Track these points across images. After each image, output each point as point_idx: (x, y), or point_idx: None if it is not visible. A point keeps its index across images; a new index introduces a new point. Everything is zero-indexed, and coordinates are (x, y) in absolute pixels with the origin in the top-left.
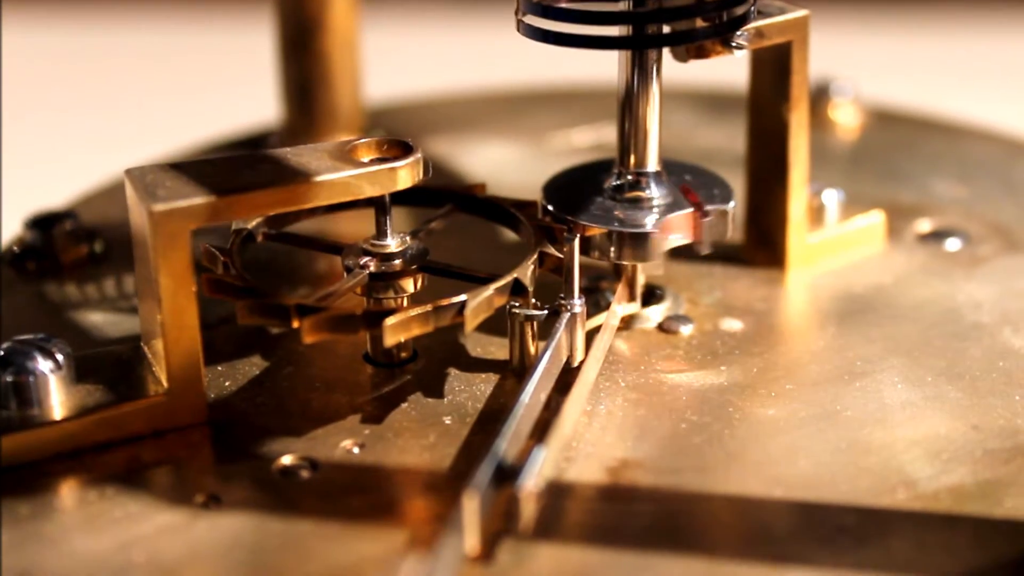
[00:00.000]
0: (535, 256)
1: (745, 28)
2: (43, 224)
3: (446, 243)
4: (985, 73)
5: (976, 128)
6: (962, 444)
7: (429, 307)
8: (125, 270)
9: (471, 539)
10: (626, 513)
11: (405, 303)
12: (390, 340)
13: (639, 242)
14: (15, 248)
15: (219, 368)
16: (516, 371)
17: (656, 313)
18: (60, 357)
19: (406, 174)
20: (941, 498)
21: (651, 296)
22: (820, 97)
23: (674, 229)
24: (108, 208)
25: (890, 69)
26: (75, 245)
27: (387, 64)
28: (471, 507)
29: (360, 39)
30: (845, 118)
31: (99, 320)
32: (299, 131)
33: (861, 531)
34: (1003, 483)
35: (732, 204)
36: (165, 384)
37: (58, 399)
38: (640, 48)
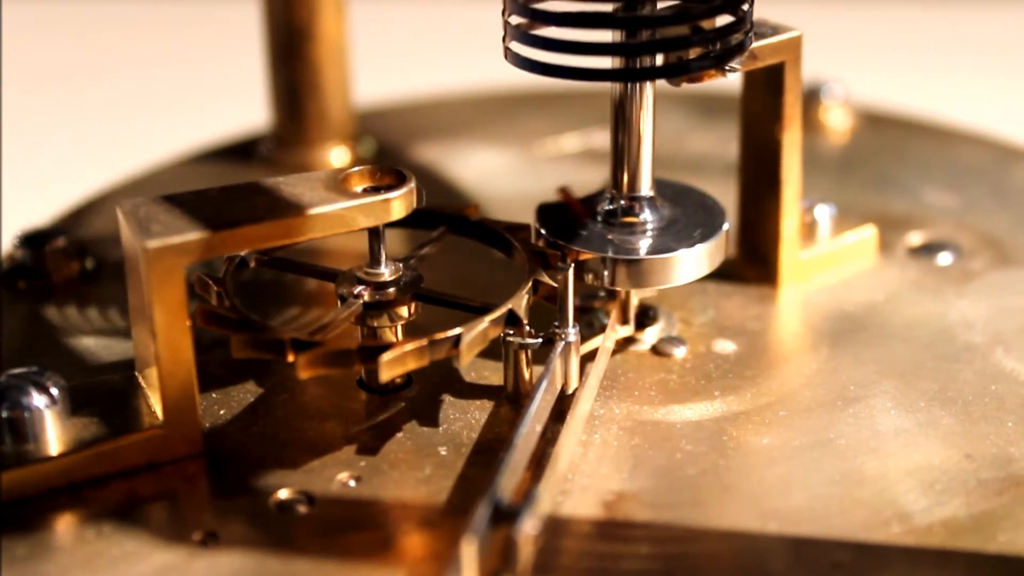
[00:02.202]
0: (529, 285)
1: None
2: (34, 242)
3: (439, 258)
4: (976, 50)
5: (966, 132)
6: (955, 474)
7: (424, 341)
8: (117, 288)
9: None
10: (622, 550)
11: (399, 331)
12: (386, 376)
13: (634, 268)
14: (4, 266)
15: (213, 395)
16: (511, 398)
17: (650, 335)
18: (55, 391)
19: (400, 205)
20: (935, 532)
21: (644, 316)
22: (811, 100)
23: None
24: (98, 222)
25: (879, 52)
26: (66, 263)
27: (375, 58)
28: (470, 551)
29: (349, 46)
30: (835, 121)
31: (92, 344)
32: (288, 137)
33: (856, 568)
34: (997, 516)
35: (726, 226)
36: (160, 416)
37: (54, 433)
38: (633, 80)
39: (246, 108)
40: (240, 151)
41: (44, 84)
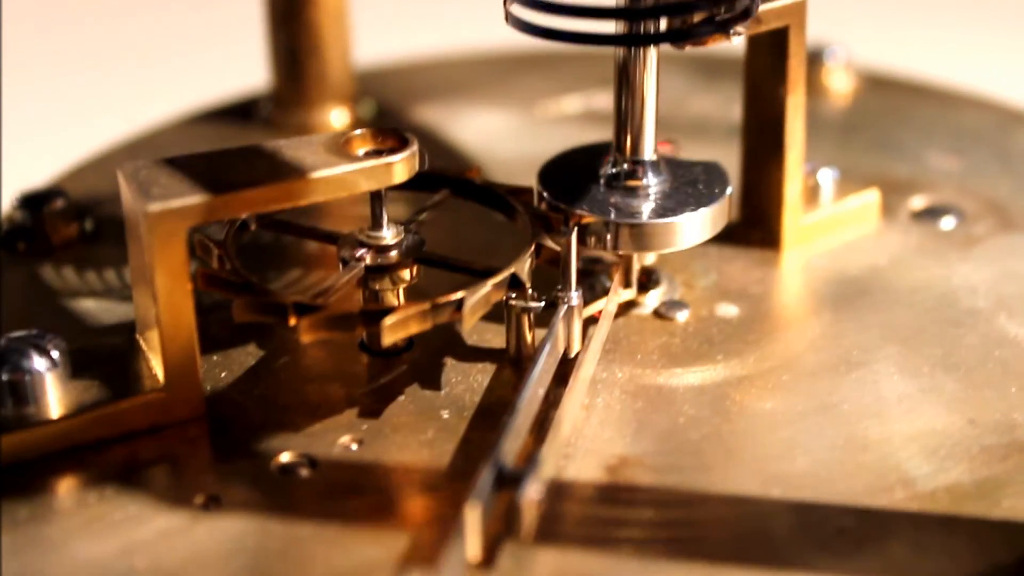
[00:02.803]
0: (532, 249)
1: None
2: (33, 203)
3: (440, 220)
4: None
5: (969, 95)
6: (959, 440)
7: (427, 305)
8: (117, 250)
9: (473, 548)
10: (626, 515)
11: (401, 294)
12: (388, 339)
13: (637, 232)
14: (3, 227)
15: (214, 358)
16: (513, 361)
17: (652, 299)
18: (55, 354)
19: (402, 168)
20: (939, 498)
21: (646, 278)
22: (813, 62)
23: None
24: (97, 183)
25: (881, 14)
26: (66, 224)
27: (375, 19)
28: (473, 516)
29: (349, 7)
30: (837, 84)
31: (92, 306)
32: (288, 98)
33: (860, 533)
34: (1000, 482)
35: (729, 190)
36: (162, 379)
37: (54, 396)
38: (637, 45)
39: (245, 68)
40: (239, 112)
41: (39, 43)
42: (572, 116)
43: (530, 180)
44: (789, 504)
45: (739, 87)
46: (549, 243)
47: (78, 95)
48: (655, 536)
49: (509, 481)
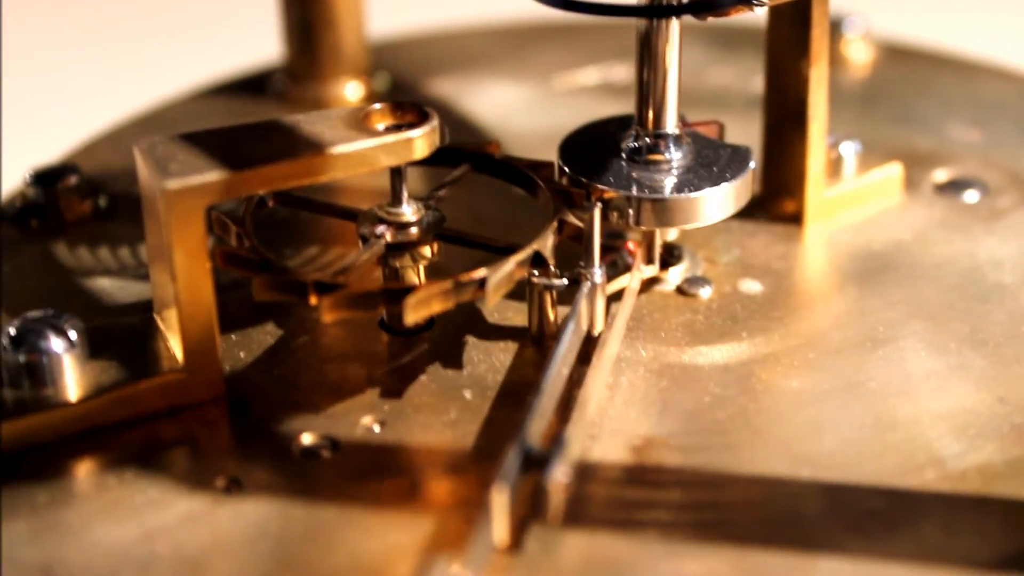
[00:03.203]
0: (554, 225)
1: None
2: (46, 179)
3: (458, 195)
4: None
5: (990, 65)
6: (989, 418)
7: (449, 284)
8: (131, 227)
9: (500, 532)
10: (653, 496)
11: (422, 272)
12: (411, 319)
13: (659, 207)
14: (16, 204)
15: (233, 337)
16: (535, 339)
17: (674, 275)
18: (73, 334)
19: (423, 143)
20: (969, 478)
21: (669, 254)
22: (832, 33)
23: None
24: (111, 158)
25: None
26: (79, 201)
27: None
28: (500, 500)
29: None
30: (856, 55)
31: (107, 284)
32: (302, 71)
33: (891, 515)
34: None
35: (752, 164)
36: (181, 359)
37: (72, 378)
38: (659, 16)
39: (258, 41)
40: (252, 85)
41: (48, 15)
42: (589, 88)
43: (548, 154)
44: (818, 485)
45: (757, 58)
46: (572, 219)
47: (90, 70)
48: (683, 518)
49: (536, 463)
